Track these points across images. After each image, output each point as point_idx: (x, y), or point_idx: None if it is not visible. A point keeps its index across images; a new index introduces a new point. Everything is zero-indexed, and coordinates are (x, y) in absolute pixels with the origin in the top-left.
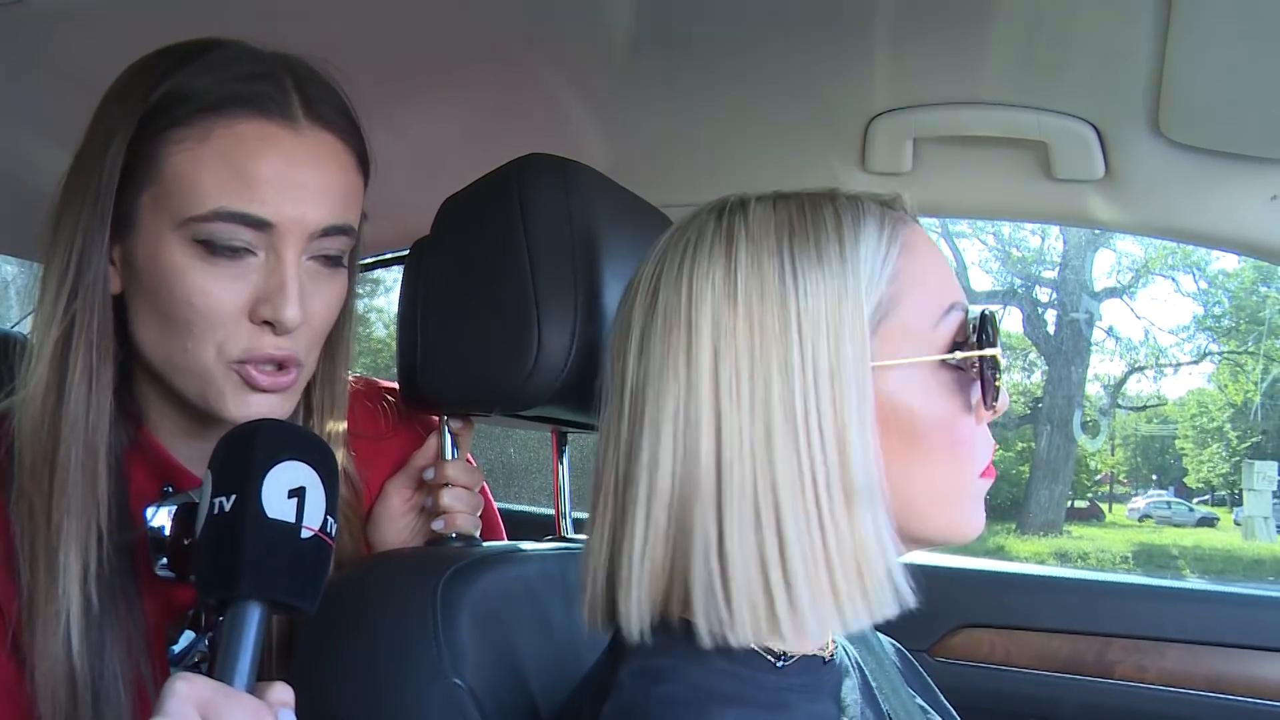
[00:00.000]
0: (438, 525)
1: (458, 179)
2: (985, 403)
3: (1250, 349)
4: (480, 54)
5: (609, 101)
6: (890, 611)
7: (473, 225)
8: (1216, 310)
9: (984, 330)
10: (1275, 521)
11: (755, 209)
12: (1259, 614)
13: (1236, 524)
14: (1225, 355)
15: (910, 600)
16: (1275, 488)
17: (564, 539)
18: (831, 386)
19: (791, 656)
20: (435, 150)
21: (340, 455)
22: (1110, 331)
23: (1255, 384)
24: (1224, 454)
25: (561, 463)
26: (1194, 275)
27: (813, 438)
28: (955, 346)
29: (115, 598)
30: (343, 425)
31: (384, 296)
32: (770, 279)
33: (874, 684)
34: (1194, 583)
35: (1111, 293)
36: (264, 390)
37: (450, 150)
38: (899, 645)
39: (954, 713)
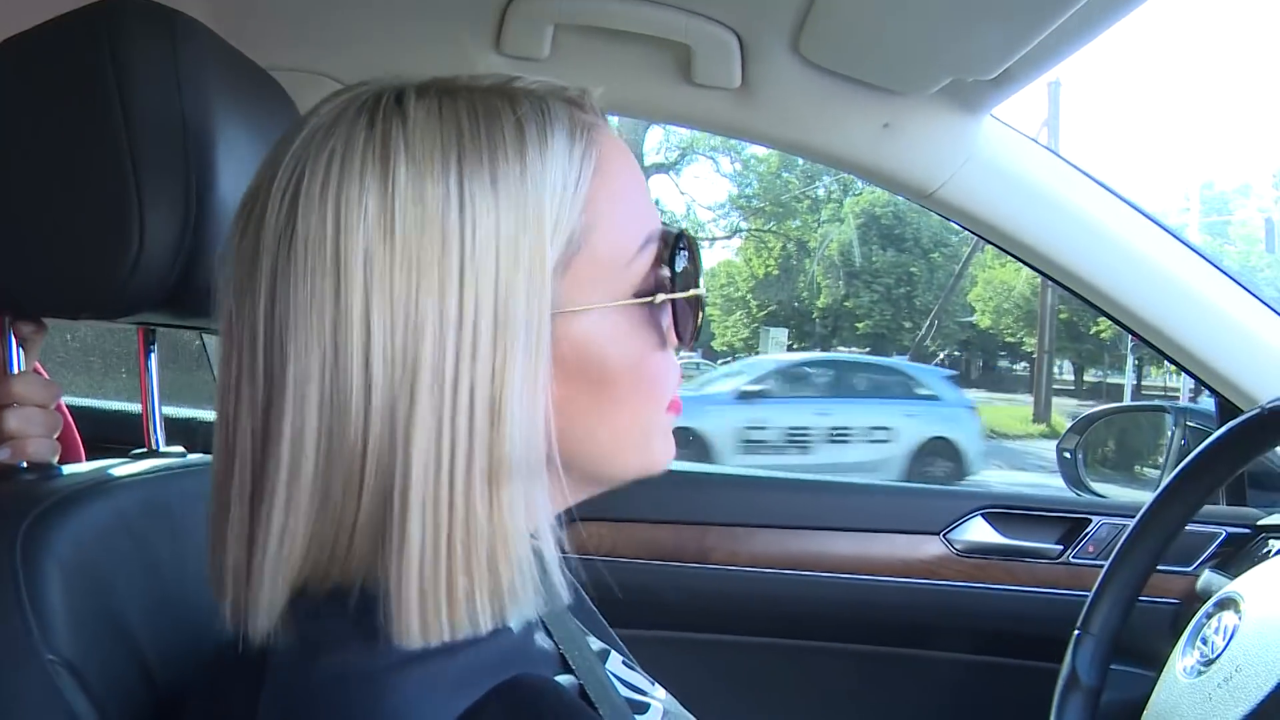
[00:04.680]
0: (3, 454)
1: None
2: (682, 339)
3: (772, 228)
4: None
5: None
6: (532, 610)
7: (45, 82)
8: (748, 191)
9: (680, 256)
10: None
11: (416, 112)
12: (828, 499)
13: None
14: (752, 232)
15: (565, 597)
16: (784, 350)
17: (155, 452)
18: (494, 343)
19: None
20: None
21: None
22: (657, 205)
23: (775, 259)
24: (745, 321)
25: (149, 361)
26: (731, 158)
27: (460, 405)
28: (654, 282)
29: None
30: None
31: None
32: (434, 209)
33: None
34: (779, 473)
35: (659, 168)
36: None
37: None
38: None
39: (595, 610)
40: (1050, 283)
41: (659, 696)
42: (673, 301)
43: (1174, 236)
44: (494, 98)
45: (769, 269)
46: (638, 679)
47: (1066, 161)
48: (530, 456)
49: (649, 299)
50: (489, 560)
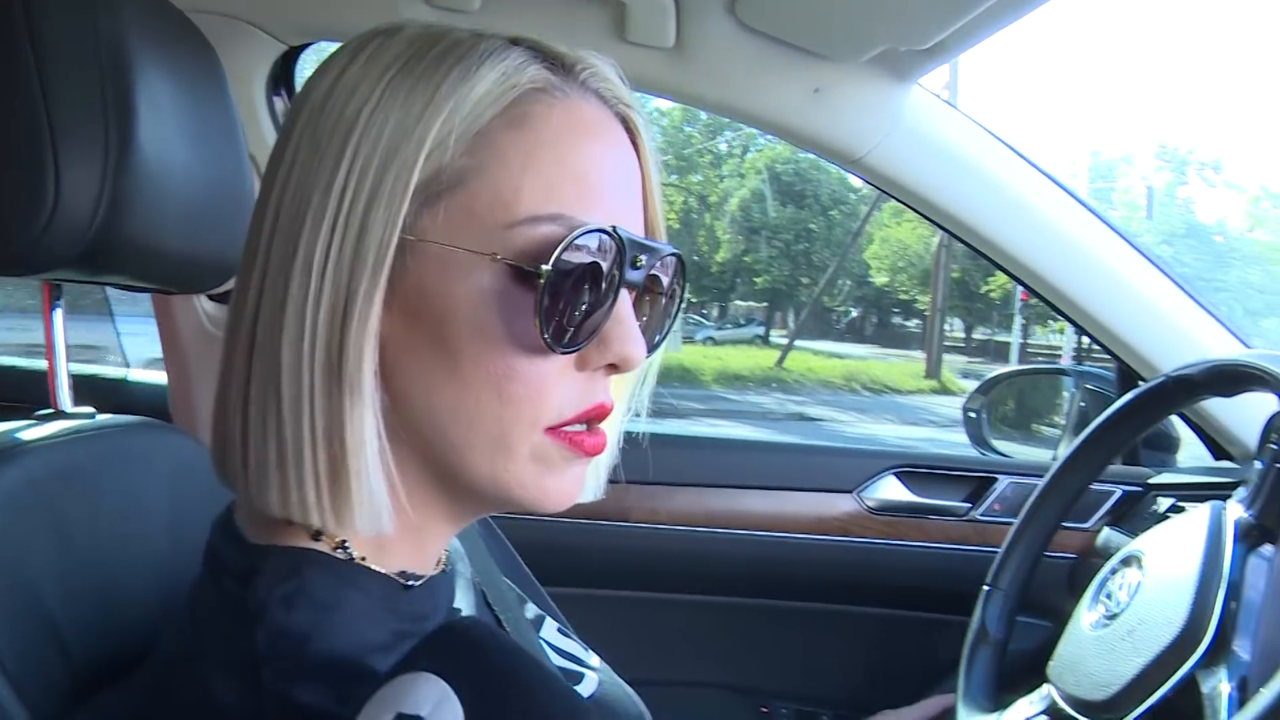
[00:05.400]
0: None
1: None
2: (549, 337)
3: (674, 181)
4: None
5: None
6: (368, 529)
7: None
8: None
9: (611, 264)
10: (681, 334)
11: (403, 34)
12: (745, 457)
13: None
14: None
15: (388, 527)
16: (684, 305)
17: (62, 413)
18: (356, 248)
19: (418, 578)
20: None
21: None
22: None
23: (676, 213)
24: None
25: (54, 317)
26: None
27: (322, 304)
28: (537, 261)
29: None
30: None
31: None
32: (356, 104)
33: (476, 573)
34: (698, 430)
35: None
36: None
37: None
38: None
39: (531, 575)
40: (971, 250)
41: (594, 665)
42: (547, 293)
43: (1086, 208)
44: (470, 37)
45: (669, 222)
46: (573, 647)
47: (988, 131)
48: (361, 375)
49: (497, 258)
50: (332, 459)
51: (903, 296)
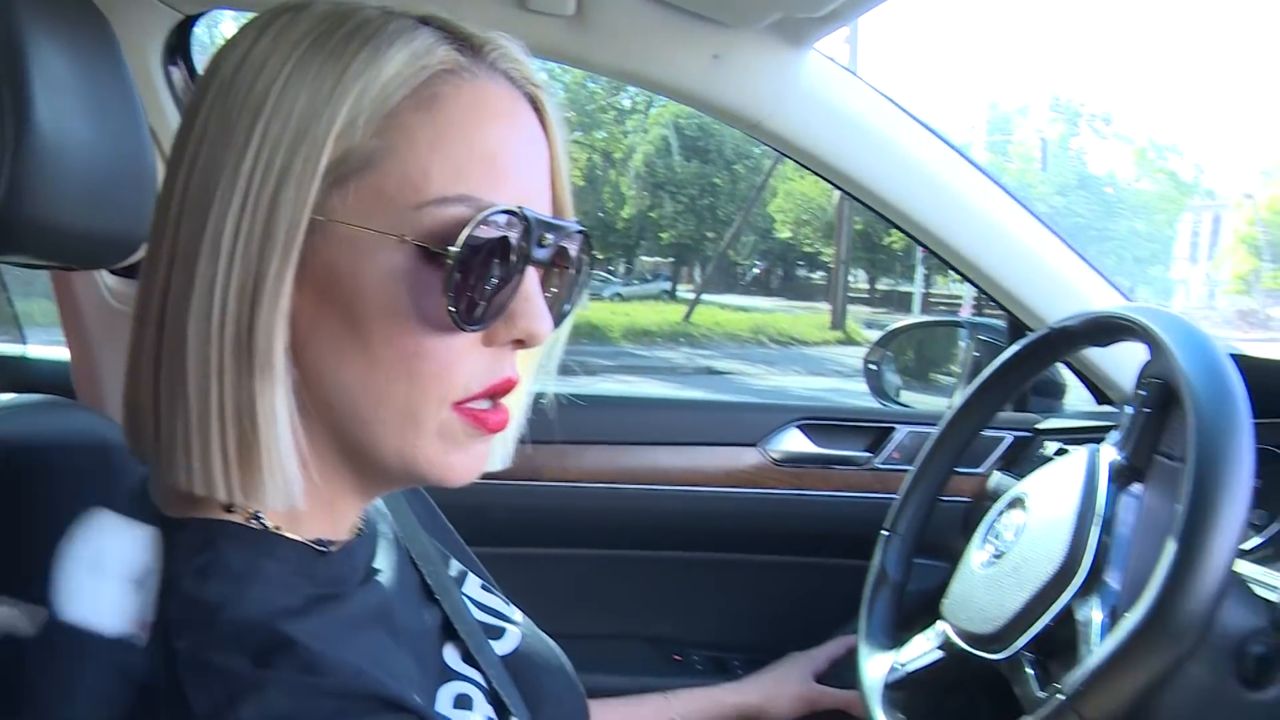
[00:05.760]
0: None
1: None
2: (457, 315)
3: (578, 138)
4: None
5: None
6: (279, 504)
7: None
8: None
9: (515, 244)
10: (588, 292)
11: (312, 9)
12: (653, 415)
13: None
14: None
15: (299, 502)
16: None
17: None
18: (265, 228)
19: (333, 544)
20: None
21: None
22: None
23: (581, 170)
24: None
25: None
26: (536, 67)
27: (231, 283)
28: (445, 242)
29: None
30: None
31: None
32: (265, 80)
33: (399, 533)
34: (607, 388)
35: None
36: None
37: None
38: None
39: (457, 535)
40: (867, 210)
41: (516, 619)
42: (456, 272)
43: (977, 168)
44: (379, 16)
45: (574, 179)
46: (496, 602)
47: (882, 94)
48: (271, 357)
49: (406, 240)
50: (241, 437)
51: (807, 249)
